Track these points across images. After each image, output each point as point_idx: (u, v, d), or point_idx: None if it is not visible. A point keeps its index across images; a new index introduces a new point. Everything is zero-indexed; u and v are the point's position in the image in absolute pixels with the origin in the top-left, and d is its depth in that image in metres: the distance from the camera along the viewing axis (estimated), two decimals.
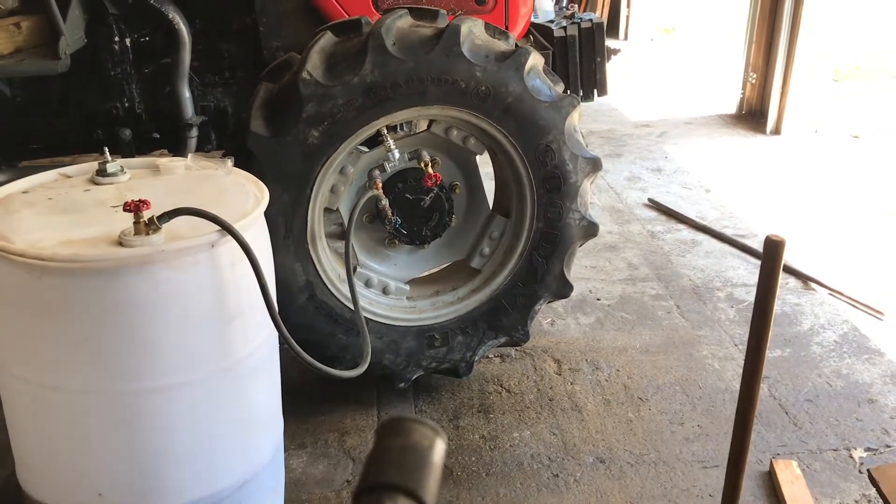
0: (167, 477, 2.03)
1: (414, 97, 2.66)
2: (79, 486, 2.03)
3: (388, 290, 3.09)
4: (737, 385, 3.26)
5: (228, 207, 2.00)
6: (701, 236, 4.80)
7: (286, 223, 2.72)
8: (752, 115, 7.32)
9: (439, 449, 0.80)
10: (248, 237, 1.91)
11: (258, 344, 2.12)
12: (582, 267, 4.32)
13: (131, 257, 1.80)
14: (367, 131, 2.72)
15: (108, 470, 2.00)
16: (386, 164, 2.88)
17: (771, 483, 2.74)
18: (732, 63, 8.16)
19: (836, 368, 3.43)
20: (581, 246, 3.08)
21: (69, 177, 2.24)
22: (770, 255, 1.86)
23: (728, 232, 4.81)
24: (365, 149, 2.94)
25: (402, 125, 3.09)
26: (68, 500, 2.06)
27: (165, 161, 2.33)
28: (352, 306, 2.82)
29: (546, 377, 3.35)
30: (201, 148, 3.59)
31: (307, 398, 3.16)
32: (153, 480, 2.03)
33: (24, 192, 2.13)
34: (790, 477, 2.71)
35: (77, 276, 1.79)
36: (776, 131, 6.92)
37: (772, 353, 3.42)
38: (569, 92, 3.26)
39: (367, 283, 3.06)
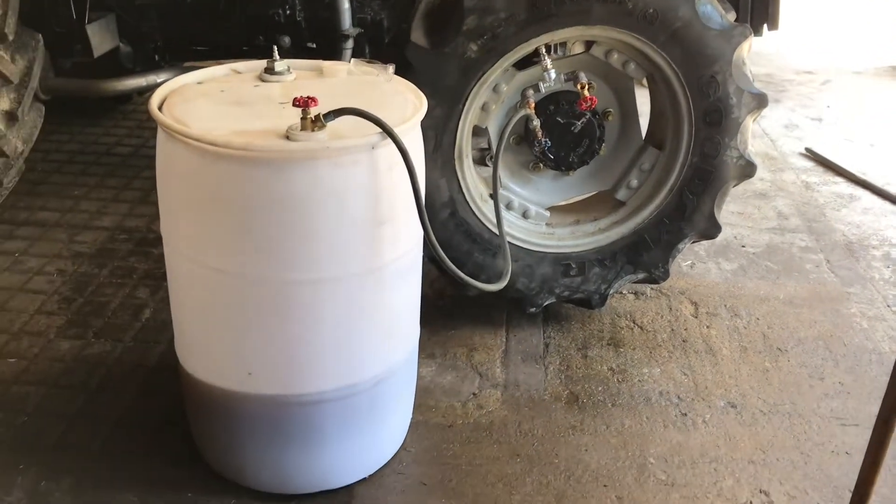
0: (310, 364, 2.14)
1: (578, 15, 2.58)
2: (230, 364, 2.17)
3: (528, 214, 3.07)
4: (885, 346, 3.12)
5: (388, 112, 2.02)
6: (860, 191, 4.51)
7: (436, 137, 2.73)
8: None
9: None
10: (405, 143, 1.94)
11: (405, 250, 2.17)
12: (728, 212, 4.13)
13: (298, 151, 1.86)
14: (526, 48, 2.67)
15: (257, 351, 2.12)
16: (541, 85, 2.82)
17: None
18: None
19: None
20: (735, 186, 2.95)
21: (239, 72, 2.33)
22: None
23: (891, 189, 4.49)
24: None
25: (556, 47, 3.02)
26: (220, 375, 2.20)
27: (329, 64, 2.37)
28: (492, 227, 2.84)
29: (681, 318, 3.28)
30: None
31: (439, 313, 3.22)
32: (297, 366, 2.14)
33: (198, 83, 2.24)
34: None
35: (246, 164, 1.88)
36: None
37: None
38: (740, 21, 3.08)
39: (508, 206, 3.05)
